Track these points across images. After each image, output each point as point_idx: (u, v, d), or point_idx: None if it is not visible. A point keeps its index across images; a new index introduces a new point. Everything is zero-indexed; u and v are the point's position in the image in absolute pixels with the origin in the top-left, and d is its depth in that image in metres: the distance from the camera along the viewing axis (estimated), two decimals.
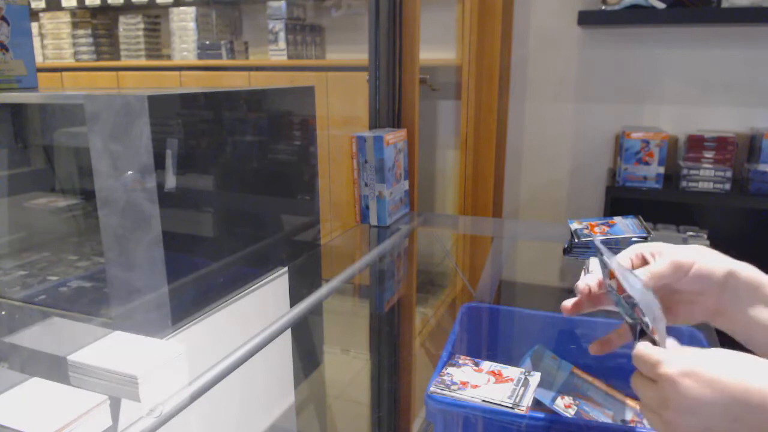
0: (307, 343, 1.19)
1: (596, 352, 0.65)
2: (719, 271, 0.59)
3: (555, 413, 0.75)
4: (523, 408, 0.69)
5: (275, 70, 2.86)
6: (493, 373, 0.78)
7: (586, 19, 2.21)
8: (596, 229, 1.18)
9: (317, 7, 2.95)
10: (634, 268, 0.62)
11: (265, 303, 1.05)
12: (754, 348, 0.59)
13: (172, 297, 0.82)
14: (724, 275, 0.59)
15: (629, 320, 0.57)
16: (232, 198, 0.98)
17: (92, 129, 0.79)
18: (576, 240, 1.16)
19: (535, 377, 0.76)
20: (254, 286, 1.02)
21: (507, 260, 1.57)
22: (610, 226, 1.19)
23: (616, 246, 1.14)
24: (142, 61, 3.17)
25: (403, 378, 1.13)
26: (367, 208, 1.47)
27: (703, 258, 0.59)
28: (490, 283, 1.40)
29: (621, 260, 0.63)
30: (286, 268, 1.12)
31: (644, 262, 0.63)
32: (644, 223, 1.19)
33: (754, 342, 0.59)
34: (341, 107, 2.52)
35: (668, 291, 0.61)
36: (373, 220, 1.47)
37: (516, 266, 1.62)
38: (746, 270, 0.59)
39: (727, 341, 0.62)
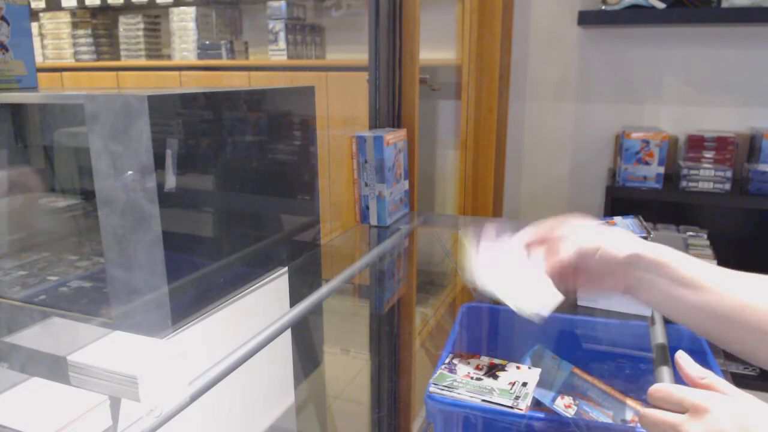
0: (307, 343, 1.19)
1: None
2: (622, 254, 0.65)
3: (555, 413, 0.75)
4: (523, 408, 0.69)
5: (275, 70, 2.86)
6: None
7: (586, 19, 2.21)
8: None
9: (317, 7, 2.95)
10: (530, 249, 0.72)
11: (265, 303, 1.05)
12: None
13: (172, 297, 0.82)
14: (627, 257, 0.65)
15: None
16: (232, 198, 0.98)
17: (92, 129, 0.79)
18: None
19: (534, 372, 0.76)
20: (254, 286, 1.02)
21: None
22: (610, 226, 1.19)
23: None
24: (142, 61, 3.17)
25: (403, 378, 1.13)
26: (367, 208, 1.47)
27: (608, 242, 0.66)
28: None
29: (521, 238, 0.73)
30: (286, 268, 1.12)
31: (543, 244, 0.72)
32: (644, 223, 1.19)
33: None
34: (341, 107, 2.52)
35: (578, 269, 0.68)
36: (373, 220, 1.47)
37: None
38: (653, 251, 0.64)
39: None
